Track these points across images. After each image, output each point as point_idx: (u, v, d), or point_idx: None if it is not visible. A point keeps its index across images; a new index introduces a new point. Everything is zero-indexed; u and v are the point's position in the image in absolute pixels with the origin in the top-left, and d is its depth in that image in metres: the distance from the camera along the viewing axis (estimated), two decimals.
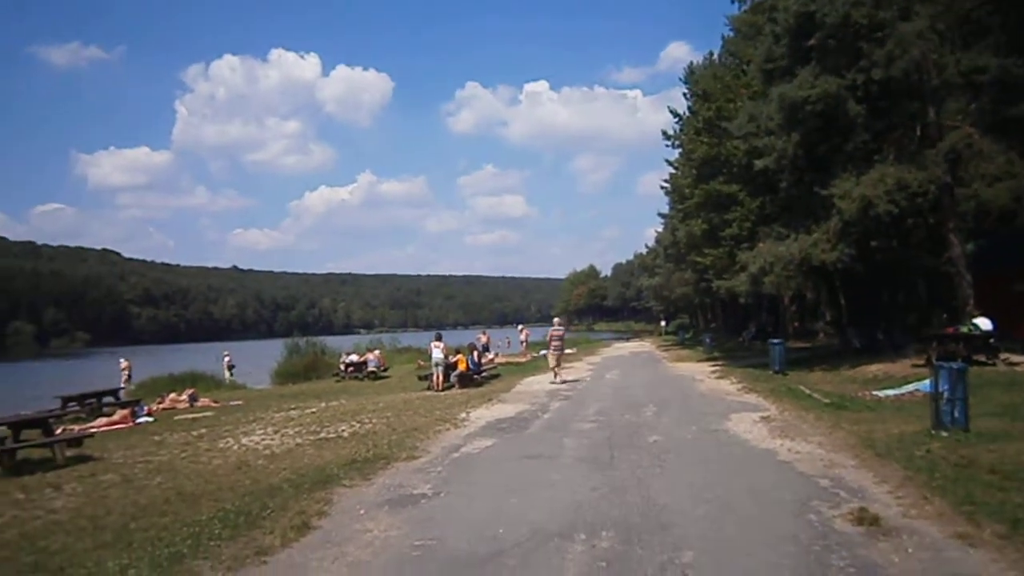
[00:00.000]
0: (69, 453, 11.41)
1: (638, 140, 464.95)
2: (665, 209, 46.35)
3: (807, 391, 15.16)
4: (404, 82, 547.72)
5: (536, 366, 26.89)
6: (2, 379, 51.50)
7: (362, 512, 7.14)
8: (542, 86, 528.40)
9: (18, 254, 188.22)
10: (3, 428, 11.46)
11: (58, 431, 13.41)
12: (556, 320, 22.96)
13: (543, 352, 22.70)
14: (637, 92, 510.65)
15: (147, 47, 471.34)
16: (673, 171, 36.49)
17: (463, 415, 14.39)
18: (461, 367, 21.54)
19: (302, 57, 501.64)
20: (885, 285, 22.74)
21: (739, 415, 12.69)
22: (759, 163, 20.39)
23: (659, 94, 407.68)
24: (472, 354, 22.77)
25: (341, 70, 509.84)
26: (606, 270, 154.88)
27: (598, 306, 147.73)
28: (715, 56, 32.28)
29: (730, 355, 30.93)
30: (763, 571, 5.09)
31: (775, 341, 21.35)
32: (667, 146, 32.78)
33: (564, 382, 20.43)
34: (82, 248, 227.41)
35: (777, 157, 19.65)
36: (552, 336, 21.41)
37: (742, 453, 9.42)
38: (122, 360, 28.43)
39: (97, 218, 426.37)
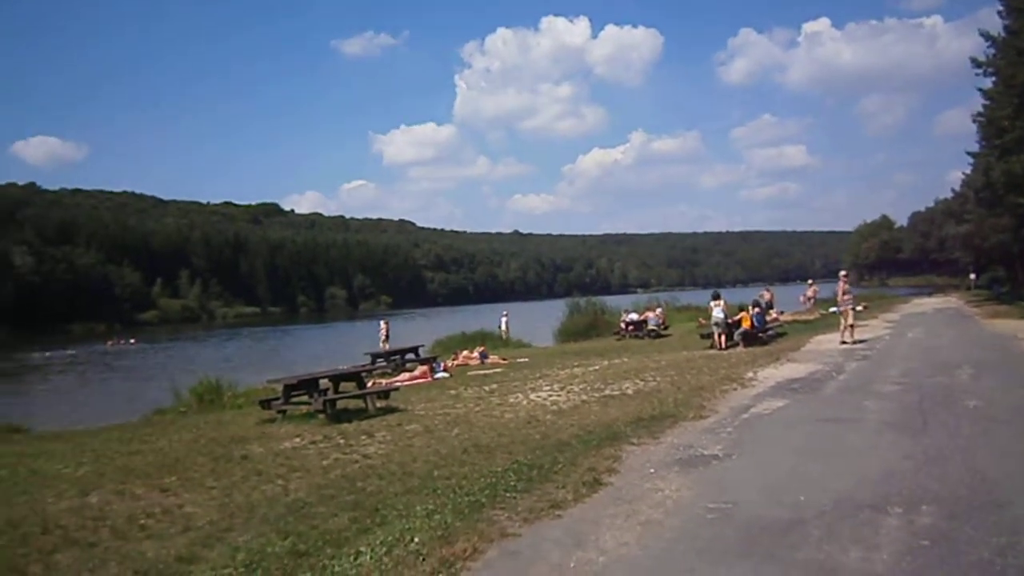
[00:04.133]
0: (379, 404, 12.59)
1: (936, 73, 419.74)
2: (974, 147, 40.94)
3: None
4: (673, 36, 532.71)
5: (827, 324, 25.16)
6: (322, 338, 59.05)
7: (652, 471, 7.06)
8: (823, 24, 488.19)
9: (332, 228, 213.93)
10: (325, 381, 12.89)
11: (369, 384, 14.89)
12: (842, 274, 21.29)
13: (832, 309, 21.19)
14: (936, 18, 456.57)
15: (429, 29, 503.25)
16: (987, 102, 32.15)
17: (750, 374, 13.86)
18: (745, 325, 20.74)
19: (571, 22, 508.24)
20: None
21: None
22: None
23: (964, 18, 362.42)
24: (756, 312, 21.83)
25: (610, 30, 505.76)
26: (900, 220, 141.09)
27: (892, 259, 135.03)
28: None
29: None
30: None
31: None
32: (977, 75, 28.98)
33: (859, 341, 18.93)
34: (382, 219, 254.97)
35: None
36: (840, 291, 19.98)
37: None
38: (381, 322, 30.58)
39: (393, 191, 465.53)
